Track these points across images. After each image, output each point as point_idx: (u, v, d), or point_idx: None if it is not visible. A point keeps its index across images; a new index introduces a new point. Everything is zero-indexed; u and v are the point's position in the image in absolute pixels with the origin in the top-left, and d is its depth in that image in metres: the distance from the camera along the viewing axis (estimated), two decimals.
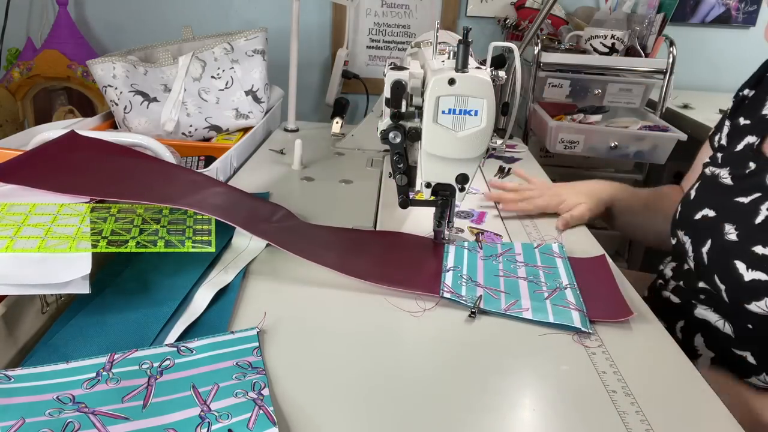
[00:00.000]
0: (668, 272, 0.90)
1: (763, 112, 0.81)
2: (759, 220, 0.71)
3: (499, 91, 0.71)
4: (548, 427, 0.51)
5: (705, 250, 0.76)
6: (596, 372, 0.58)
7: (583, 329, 0.64)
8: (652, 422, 0.52)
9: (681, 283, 0.85)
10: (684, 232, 0.81)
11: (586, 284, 0.73)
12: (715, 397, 0.56)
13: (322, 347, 0.60)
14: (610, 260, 0.81)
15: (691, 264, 0.79)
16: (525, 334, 0.64)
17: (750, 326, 0.72)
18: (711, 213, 0.78)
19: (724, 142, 0.87)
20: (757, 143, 0.78)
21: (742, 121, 0.85)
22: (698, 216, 0.79)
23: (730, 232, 0.73)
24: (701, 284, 0.79)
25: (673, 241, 0.83)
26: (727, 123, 0.88)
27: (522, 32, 1.77)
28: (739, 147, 0.81)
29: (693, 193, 0.83)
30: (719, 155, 0.84)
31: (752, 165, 0.77)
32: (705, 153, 0.93)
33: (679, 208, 0.84)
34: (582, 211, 0.93)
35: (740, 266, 0.71)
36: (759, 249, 0.69)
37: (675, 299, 0.85)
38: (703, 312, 0.79)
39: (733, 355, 0.74)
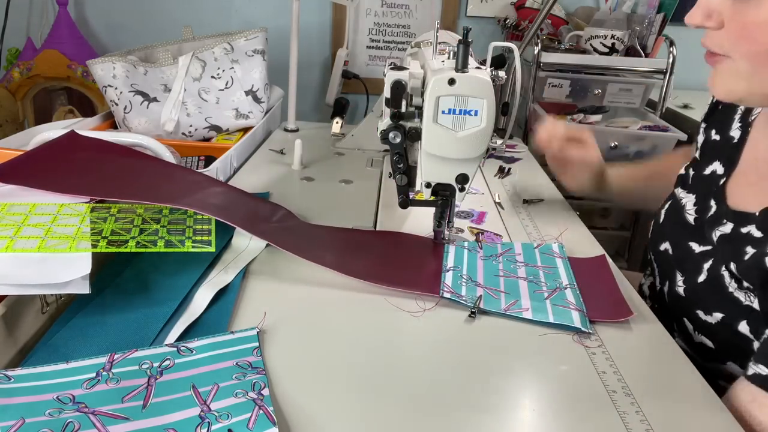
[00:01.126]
0: (645, 290, 0.90)
1: (731, 133, 0.76)
2: (700, 279, 0.70)
3: (499, 91, 0.71)
4: (548, 427, 0.51)
5: (666, 289, 0.77)
6: (596, 372, 0.58)
7: (583, 329, 0.64)
8: (652, 422, 0.52)
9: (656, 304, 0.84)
10: (654, 257, 0.82)
11: (586, 284, 0.73)
12: (715, 397, 0.56)
13: (322, 347, 0.60)
14: (610, 260, 0.81)
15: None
16: (525, 335, 0.64)
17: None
18: (670, 250, 0.78)
19: (697, 155, 0.82)
20: (722, 181, 0.73)
21: (713, 134, 0.80)
22: (662, 248, 0.80)
23: (679, 284, 0.74)
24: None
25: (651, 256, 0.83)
26: (702, 131, 0.83)
27: (522, 32, 1.77)
28: (707, 171, 0.77)
29: (662, 215, 0.82)
30: (691, 173, 0.80)
31: (713, 207, 0.72)
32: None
33: (652, 227, 0.84)
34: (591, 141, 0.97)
35: (689, 325, 0.72)
36: (701, 314, 0.69)
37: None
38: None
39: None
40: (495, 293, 0.70)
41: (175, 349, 0.55)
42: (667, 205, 0.83)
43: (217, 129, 1.31)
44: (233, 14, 1.99)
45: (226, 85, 1.29)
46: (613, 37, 1.59)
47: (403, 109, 0.73)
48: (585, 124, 1.55)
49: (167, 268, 0.70)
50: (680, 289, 0.73)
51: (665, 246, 0.79)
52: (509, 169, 1.20)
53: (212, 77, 1.29)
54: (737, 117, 0.78)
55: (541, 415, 0.53)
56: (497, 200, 1.02)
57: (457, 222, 0.91)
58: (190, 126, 1.28)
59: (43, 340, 0.57)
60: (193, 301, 0.65)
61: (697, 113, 1.68)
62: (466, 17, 1.99)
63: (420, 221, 0.87)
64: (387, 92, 0.72)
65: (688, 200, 0.78)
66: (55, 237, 0.62)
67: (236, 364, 0.54)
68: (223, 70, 1.29)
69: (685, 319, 0.72)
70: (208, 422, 0.47)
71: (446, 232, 0.83)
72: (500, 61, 1.57)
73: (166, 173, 0.85)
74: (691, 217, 0.76)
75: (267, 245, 0.78)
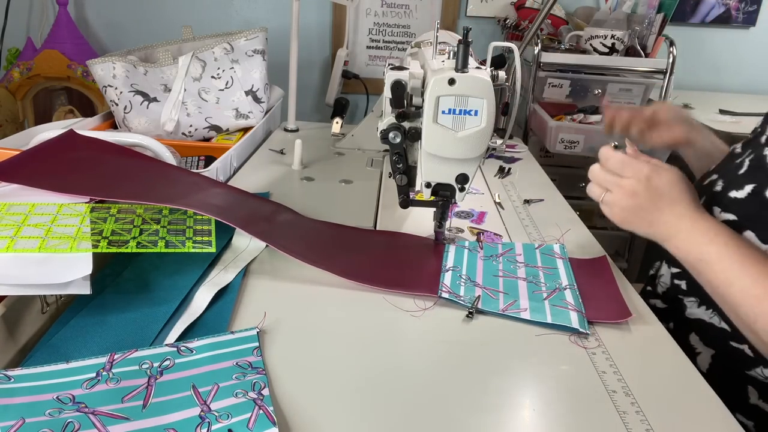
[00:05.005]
0: (661, 276, 0.89)
1: None
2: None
3: (499, 91, 0.71)
4: (548, 427, 0.51)
5: None
6: (596, 372, 0.58)
7: (580, 330, 0.64)
8: (652, 422, 0.52)
9: (669, 286, 0.84)
10: None
11: (586, 285, 0.73)
12: (715, 397, 0.56)
13: (321, 347, 0.60)
14: (610, 260, 0.81)
15: None
16: (523, 335, 0.64)
17: None
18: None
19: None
20: None
21: None
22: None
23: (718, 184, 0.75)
24: (689, 280, 0.77)
25: None
26: None
27: (522, 32, 1.77)
28: None
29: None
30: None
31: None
32: None
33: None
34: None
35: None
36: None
37: (661, 305, 0.84)
38: (694, 311, 0.78)
39: (733, 350, 0.73)
40: (494, 293, 0.70)
41: (175, 349, 0.55)
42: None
43: (217, 129, 1.31)
44: (233, 14, 1.99)
45: (226, 85, 1.29)
46: (613, 37, 1.59)
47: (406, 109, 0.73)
48: (585, 124, 1.55)
49: (167, 268, 0.70)
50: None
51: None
52: (509, 169, 1.20)
53: (212, 77, 1.29)
54: None
55: (541, 414, 0.53)
56: (497, 200, 1.02)
57: (457, 222, 0.91)
58: (190, 126, 1.28)
59: (43, 340, 0.57)
60: (193, 301, 0.65)
61: (697, 113, 1.68)
62: (466, 17, 1.98)
63: (420, 221, 0.87)
64: (387, 92, 0.72)
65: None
66: (56, 237, 0.62)
67: (236, 364, 0.54)
68: (223, 70, 1.29)
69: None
70: (208, 422, 0.47)
71: (446, 233, 0.83)
72: (500, 61, 1.57)
73: (166, 174, 0.85)
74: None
75: (267, 245, 0.78)
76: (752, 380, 0.73)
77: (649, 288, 0.90)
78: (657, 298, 0.86)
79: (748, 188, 0.72)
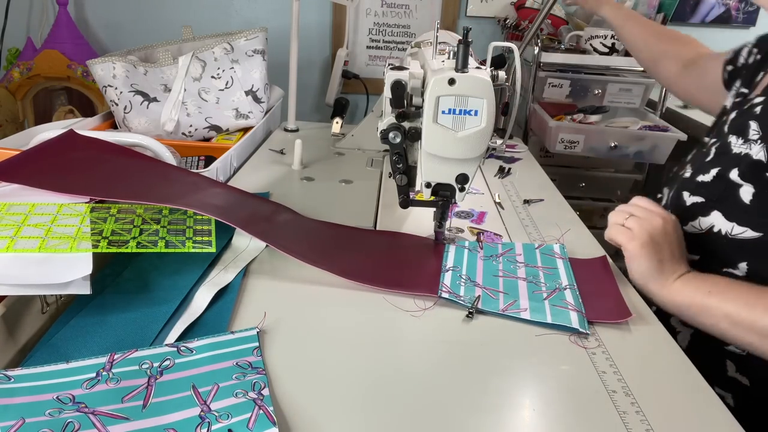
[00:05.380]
0: None
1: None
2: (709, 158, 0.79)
3: (499, 91, 0.71)
4: (548, 427, 0.51)
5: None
6: (596, 372, 0.58)
7: (580, 330, 0.64)
8: (652, 422, 0.52)
9: None
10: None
11: (586, 285, 0.73)
12: (715, 397, 0.56)
13: (321, 347, 0.60)
14: (610, 261, 0.81)
15: None
16: (523, 335, 0.64)
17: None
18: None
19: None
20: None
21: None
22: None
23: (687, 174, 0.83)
24: None
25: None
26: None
27: (522, 32, 1.77)
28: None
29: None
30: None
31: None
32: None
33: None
34: None
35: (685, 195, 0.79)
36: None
37: None
38: None
39: (710, 336, 0.73)
40: (494, 293, 0.70)
41: (175, 349, 0.55)
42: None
43: (217, 129, 1.31)
44: (233, 14, 1.99)
45: (226, 85, 1.29)
46: (613, 37, 1.59)
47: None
48: (585, 124, 1.55)
49: (167, 268, 0.70)
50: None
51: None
52: (509, 169, 1.20)
53: (212, 77, 1.29)
54: None
55: (541, 414, 0.53)
56: (497, 200, 1.02)
57: (457, 222, 0.91)
58: (190, 126, 1.28)
59: (43, 340, 0.57)
60: (193, 301, 0.65)
61: (697, 113, 1.68)
62: (466, 17, 1.98)
63: (420, 221, 0.87)
64: (387, 92, 0.72)
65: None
66: (56, 237, 0.62)
67: (236, 364, 0.54)
68: (223, 70, 1.29)
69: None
70: (208, 422, 0.47)
71: (446, 233, 0.83)
72: (500, 61, 1.57)
73: (166, 174, 0.85)
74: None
75: (267, 245, 0.78)
76: (730, 354, 0.76)
77: None
78: None
79: (714, 171, 0.77)
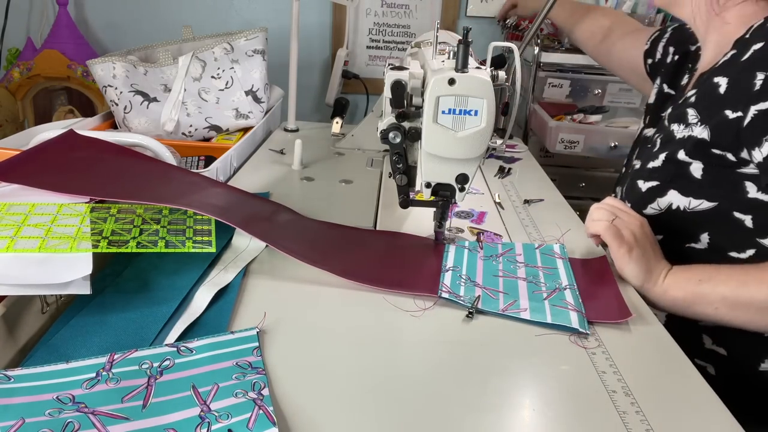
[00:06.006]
0: None
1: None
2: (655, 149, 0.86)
3: (499, 91, 0.71)
4: (548, 427, 0.51)
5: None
6: (596, 372, 0.58)
7: (580, 330, 0.64)
8: (652, 422, 0.52)
9: None
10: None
11: (586, 285, 0.73)
12: (715, 397, 0.56)
13: (321, 347, 0.60)
14: (610, 261, 0.80)
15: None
16: (523, 335, 0.64)
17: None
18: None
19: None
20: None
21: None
22: None
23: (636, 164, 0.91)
24: None
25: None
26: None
27: (522, 32, 1.77)
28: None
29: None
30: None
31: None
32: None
33: None
34: None
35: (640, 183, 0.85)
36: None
37: None
38: None
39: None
40: (494, 293, 0.70)
41: (175, 349, 0.55)
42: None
43: (217, 129, 1.31)
44: (233, 14, 1.99)
45: (226, 85, 1.29)
46: None
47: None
48: (585, 124, 1.55)
49: (167, 268, 0.70)
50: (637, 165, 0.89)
51: None
52: (509, 169, 1.20)
53: (212, 77, 1.29)
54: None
55: (541, 414, 0.53)
56: (497, 200, 1.02)
57: (457, 222, 0.91)
58: (190, 126, 1.28)
59: (43, 340, 0.57)
60: (193, 301, 0.65)
61: None
62: (466, 17, 1.98)
63: (420, 221, 0.87)
64: (387, 92, 0.72)
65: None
66: (56, 237, 0.62)
67: (236, 364, 0.54)
68: (223, 70, 1.29)
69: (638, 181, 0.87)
70: (208, 422, 0.47)
71: (446, 233, 0.83)
72: (500, 61, 1.57)
73: (166, 174, 0.85)
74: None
75: (267, 245, 0.78)
76: (704, 328, 0.81)
77: None
78: None
79: (662, 156, 0.83)
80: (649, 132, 0.96)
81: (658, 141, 0.86)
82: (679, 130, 0.82)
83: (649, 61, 1.07)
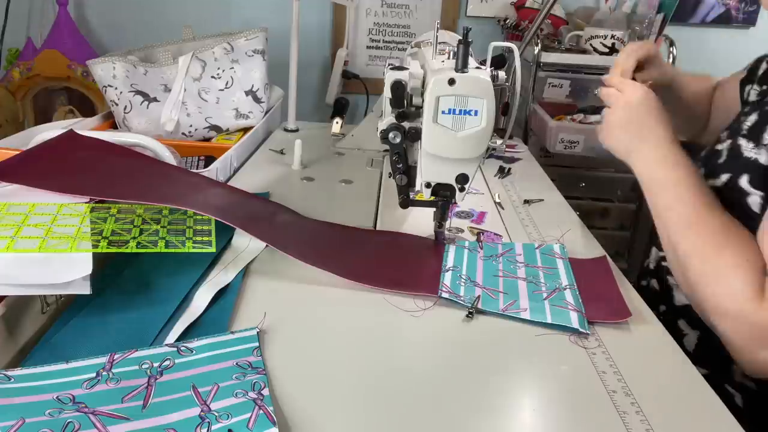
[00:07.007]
0: (651, 264, 0.91)
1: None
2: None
3: (499, 91, 0.71)
4: (548, 427, 0.51)
5: None
6: (596, 372, 0.58)
7: (581, 330, 0.64)
8: (652, 422, 0.52)
9: (661, 273, 0.86)
10: None
11: (586, 285, 0.73)
12: (715, 397, 0.56)
13: (321, 347, 0.60)
14: (610, 261, 0.81)
15: None
16: (523, 335, 0.64)
17: None
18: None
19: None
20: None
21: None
22: None
23: None
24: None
25: None
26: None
27: (522, 32, 1.77)
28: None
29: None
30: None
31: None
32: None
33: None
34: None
35: None
36: None
37: (656, 286, 0.86)
38: (682, 299, 0.80)
39: (716, 337, 0.73)
40: (494, 293, 0.70)
41: (175, 349, 0.55)
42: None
43: (217, 129, 1.31)
44: (233, 14, 1.99)
45: (226, 85, 1.29)
46: (613, 37, 1.59)
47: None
48: (585, 124, 1.55)
49: (167, 268, 0.70)
50: None
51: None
52: (509, 169, 1.20)
53: (212, 77, 1.29)
54: None
55: (541, 414, 0.53)
56: (497, 200, 1.02)
57: (457, 222, 0.91)
58: (190, 126, 1.28)
59: (43, 340, 0.57)
60: (193, 301, 0.65)
61: None
62: (466, 17, 1.98)
63: (420, 221, 0.87)
64: (387, 92, 0.72)
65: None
66: (56, 237, 0.62)
67: (236, 364, 0.54)
68: (223, 70, 1.29)
69: None
70: (208, 422, 0.47)
71: (446, 233, 0.83)
72: (500, 61, 1.57)
73: (166, 174, 0.85)
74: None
75: (267, 245, 0.78)
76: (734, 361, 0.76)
77: (643, 282, 0.91)
78: (653, 279, 0.87)
79: (724, 177, 0.76)
80: (724, 136, 0.84)
81: (725, 153, 0.79)
82: (747, 148, 0.74)
83: (748, 87, 0.93)
